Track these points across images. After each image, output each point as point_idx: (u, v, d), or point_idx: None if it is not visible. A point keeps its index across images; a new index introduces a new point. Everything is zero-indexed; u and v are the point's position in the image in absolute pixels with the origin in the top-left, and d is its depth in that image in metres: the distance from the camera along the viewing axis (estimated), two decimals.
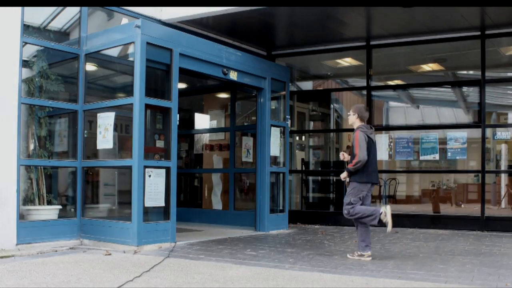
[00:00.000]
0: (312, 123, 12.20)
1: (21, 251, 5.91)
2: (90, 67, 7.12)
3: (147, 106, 6.40)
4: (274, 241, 7.16)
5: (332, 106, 12.00)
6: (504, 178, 12.32)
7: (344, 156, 5.91)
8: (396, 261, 5.46)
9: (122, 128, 7.87)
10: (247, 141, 9.52)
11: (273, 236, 7.75)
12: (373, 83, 9.57)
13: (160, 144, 7.66)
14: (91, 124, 7.08)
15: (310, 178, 10.98)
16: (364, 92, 9.64)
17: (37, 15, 6.84)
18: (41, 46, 6.70)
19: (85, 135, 6.89)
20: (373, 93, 9.54)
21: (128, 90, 6.52)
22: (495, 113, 11.90)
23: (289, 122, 9.01)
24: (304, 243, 6.94)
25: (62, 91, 6.95)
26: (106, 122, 6.59)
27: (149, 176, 6.33)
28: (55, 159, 7.05)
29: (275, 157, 8.66)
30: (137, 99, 6.20)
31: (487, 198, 8.62)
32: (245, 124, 10.04)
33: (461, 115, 11.42)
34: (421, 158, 9.59)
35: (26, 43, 6.35)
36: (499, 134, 9.69)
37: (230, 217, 8.99)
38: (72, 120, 7.02)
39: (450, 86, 10.50)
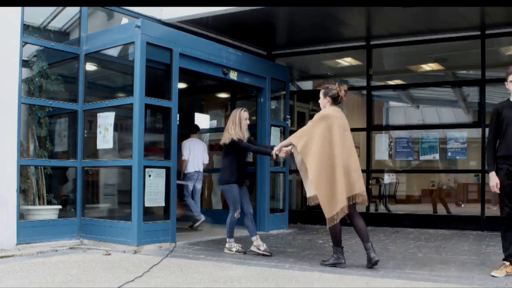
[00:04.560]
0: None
1: (21, 251, 5.90)
2: (90, 67, 7.12)
3: (147, 106, 6.40)
4: (274, 241, 7.15)
5: None
6: None
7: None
8: (396, 261, 5.46)
9: (122, 128, 7.86)
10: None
11: (273, 236, 7.75)
12: (373, 83, 9.57)
13: (160, 144, 7.66)
14: (91, 124, 7.07)
15: None
16: (364, 92, 9.64)
17: (37, 15, 6.84)
18: (41, 46, 6.70)
19: (85, 135, 6.89)
20: (373, 93, 9.55)
21: (128, 90, 6.52)
22: None
23: (289, 122, 9.01)
24: (304, 243, 6.94)
25: (62, 91, 6.95)
26: (106, 122, 6.59)
27: (149, 176, 6.33)
28: (55, 159, 7.05)
29: None
30: (137, 99, 6.20)
31: (487, 198, 8.62)
32: None
33: (461, 115, 11.41)
34: (421, 158, 9.60)
35: (26, 43, 6.34)
36: None
37: None
38: (72, 120, 7.01)
39: (450, 86, 10.49)
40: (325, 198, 5.12)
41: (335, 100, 5.45)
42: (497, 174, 4.81)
